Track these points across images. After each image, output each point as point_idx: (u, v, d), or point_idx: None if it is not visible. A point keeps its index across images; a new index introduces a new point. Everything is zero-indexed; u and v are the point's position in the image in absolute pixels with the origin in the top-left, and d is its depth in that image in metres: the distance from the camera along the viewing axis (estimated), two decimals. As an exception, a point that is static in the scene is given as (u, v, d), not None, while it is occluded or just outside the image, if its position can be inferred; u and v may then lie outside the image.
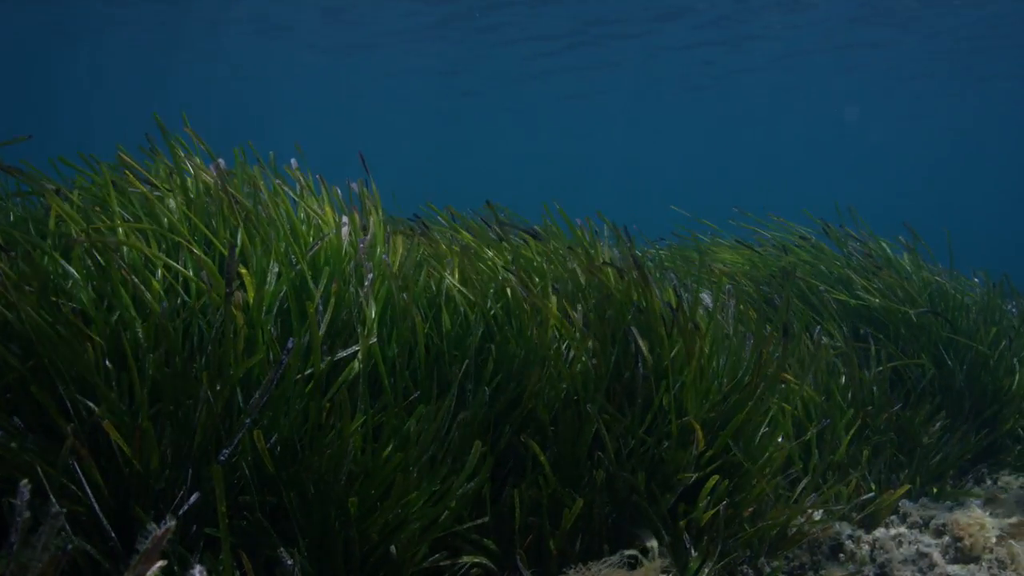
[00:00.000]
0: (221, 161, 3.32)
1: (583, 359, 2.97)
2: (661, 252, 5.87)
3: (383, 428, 2.58)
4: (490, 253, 3.59)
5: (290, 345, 2.42)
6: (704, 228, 6.15)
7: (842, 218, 5.83)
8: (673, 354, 3.04)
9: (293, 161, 3.64)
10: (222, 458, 2.35)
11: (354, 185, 3.69)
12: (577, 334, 3.03)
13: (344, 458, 2.45)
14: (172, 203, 3.11)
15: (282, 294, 2.78)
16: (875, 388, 4.27)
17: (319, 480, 2.50)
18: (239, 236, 2.94)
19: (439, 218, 4.45)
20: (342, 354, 2.71)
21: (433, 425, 2.60)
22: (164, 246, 2.91)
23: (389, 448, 2.56)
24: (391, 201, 4.10)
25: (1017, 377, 4.87)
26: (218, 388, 2.37)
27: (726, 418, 3.04)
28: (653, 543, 2.82)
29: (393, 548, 2.56)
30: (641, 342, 3.00)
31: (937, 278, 5.34)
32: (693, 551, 2.89)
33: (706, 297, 3.92)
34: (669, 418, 2.93)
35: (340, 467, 2.47)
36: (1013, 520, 3.40)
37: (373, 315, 2.81)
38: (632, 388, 3.00)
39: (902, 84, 27.54)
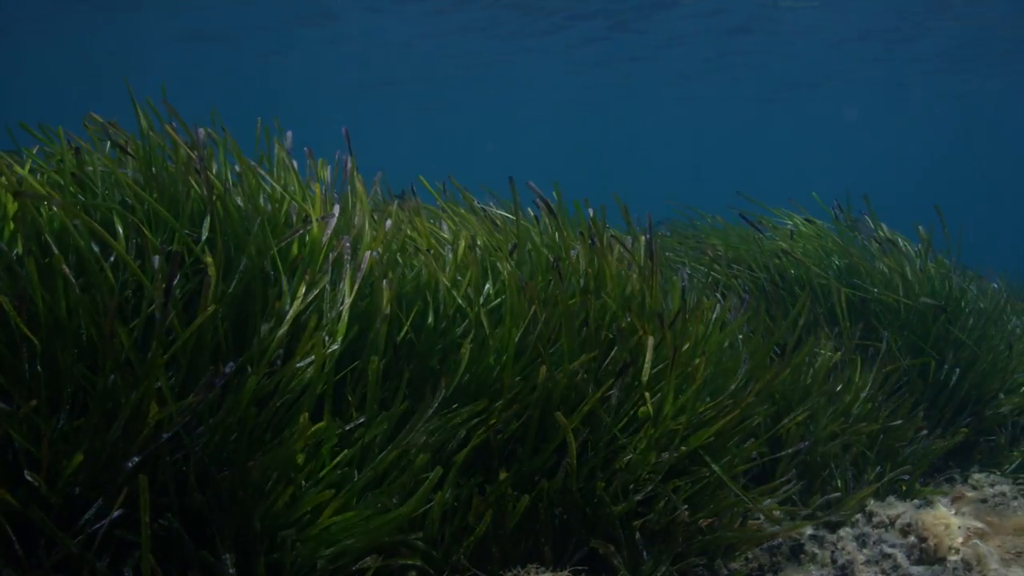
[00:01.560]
0: (202, 131, 3.09)
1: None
2: (668, 239, 5.73)
3: (322, 445, 2.44)
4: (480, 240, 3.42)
5: (227, 370, 2.25)
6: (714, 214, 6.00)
7: (849, 208, 5.64)
8: (658, 369, 2.89)
9: (289, 135, 3.37)
10: (129, 465, 2.20)
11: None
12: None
13: (271, 476, 2.31)
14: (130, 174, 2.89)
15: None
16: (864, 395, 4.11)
17: (246, 496, 2.35)
18: (205, 223, 2.72)
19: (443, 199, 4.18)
20: (299, 364, 2.52)
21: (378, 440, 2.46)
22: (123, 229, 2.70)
23: (327, 469, 2.42)
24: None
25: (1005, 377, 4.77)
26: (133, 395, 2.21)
27: (698, 425, 2.90)
28: (608, 547, 2.68)
29: (319, 563, 2.41)
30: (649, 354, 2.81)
31: (955, 278, 5.20)
32: (646, 554, 2.75)
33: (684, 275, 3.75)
34: (645, 427, 2.78)
35: (269, 483, 2.33)
36: (979, 520, 3.28)
37: (345, 318, 2.60)
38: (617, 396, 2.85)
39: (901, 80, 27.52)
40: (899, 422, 4.13)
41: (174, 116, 3.04)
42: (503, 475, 2.55)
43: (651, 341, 2.82)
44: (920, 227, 5.37)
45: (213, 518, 2.34)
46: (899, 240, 5.38)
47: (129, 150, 3.08)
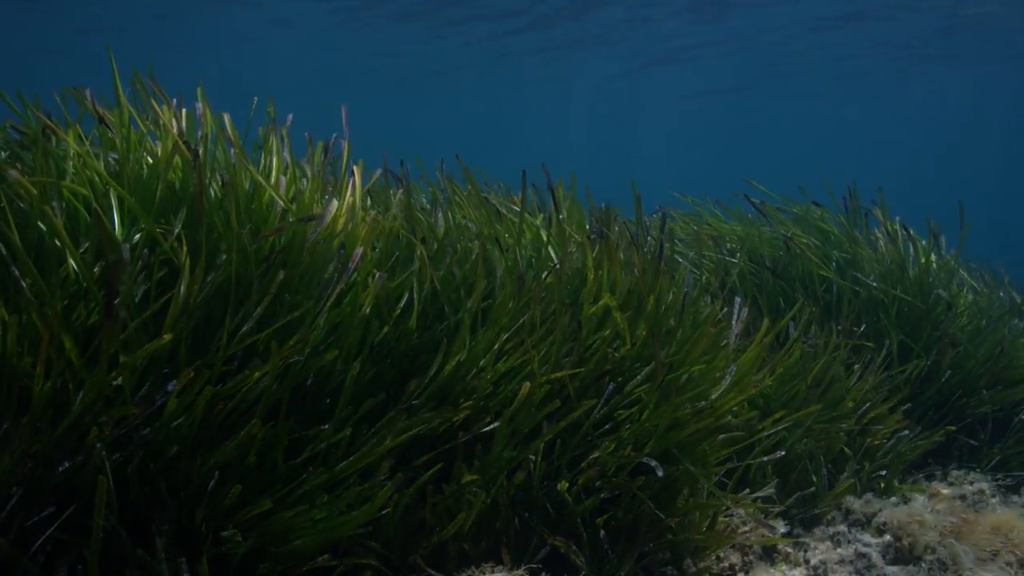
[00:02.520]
0: (200, 105, 2.92)
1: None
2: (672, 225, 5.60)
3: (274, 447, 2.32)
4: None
5: (170, 388, 2.13)
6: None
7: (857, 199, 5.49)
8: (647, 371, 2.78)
9: (290, 117, 3.16)
10: (60, 468, 2.09)
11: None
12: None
13: (213, 475, 2.20)
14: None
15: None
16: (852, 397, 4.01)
17: (188, 494, 2.25)
18: (180, 215, 2.55)
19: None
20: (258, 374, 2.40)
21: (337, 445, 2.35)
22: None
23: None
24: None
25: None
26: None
27: (672, 426, 2.80)
28: (569, 545, 2.58)
29: (268, 562, 2.30)
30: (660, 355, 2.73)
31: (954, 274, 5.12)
32: (610, 553, 2.66)
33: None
34: (620, 430, 2.68)
35: (212, 481, 2.22)
36: (956, 518, 3.21)
37: (321, 323, 2.46)
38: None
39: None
40: (880, 425, 4.04)
41: (159, 93, 2.87)
42: (468, 477, 2.45)
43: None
44: (930, 221, 5.28)
45: (153, 516, 2.23)
46: (898, 232, 5.27)
47: (108, 123, 2.87)
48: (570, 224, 3.52)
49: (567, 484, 2.57)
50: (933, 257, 5.06)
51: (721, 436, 2.89)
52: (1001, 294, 5.73)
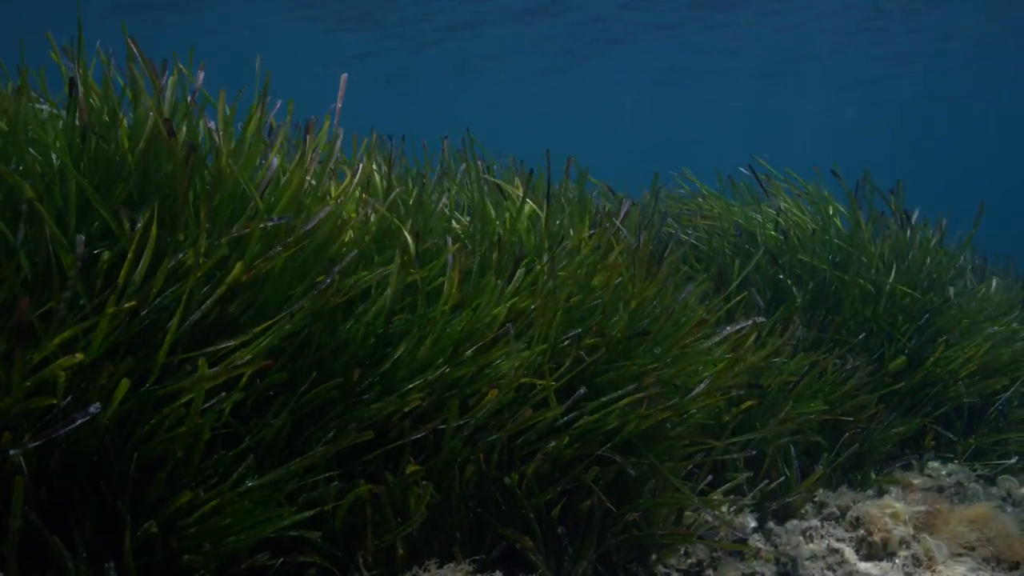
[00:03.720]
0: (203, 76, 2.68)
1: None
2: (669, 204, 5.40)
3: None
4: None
5: (92, 410, 1.94)
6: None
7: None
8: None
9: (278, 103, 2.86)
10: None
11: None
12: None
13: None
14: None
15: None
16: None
17: (109, 488, 2.08)
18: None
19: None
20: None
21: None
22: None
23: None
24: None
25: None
26: None
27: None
28: (525, 540, 2.44)
29: (201, 558, 2.14)
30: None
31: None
32: (570, 548, 2.52)
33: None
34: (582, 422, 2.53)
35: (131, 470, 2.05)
36: (931, 511, 3.10)
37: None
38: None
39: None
40: (853, 416, 3.93)
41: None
42: (411, 468, 2.29)
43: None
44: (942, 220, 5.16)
45: (73, 512, 2.06)
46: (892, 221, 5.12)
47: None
48: (571, 218, 3.31)
49: (517, 477, 2.42)
50: (943, 252, 4.97)
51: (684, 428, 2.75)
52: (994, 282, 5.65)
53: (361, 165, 2.80)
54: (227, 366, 2.08)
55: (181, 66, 2.73)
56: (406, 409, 2.28)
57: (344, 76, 3.01)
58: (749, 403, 3.20)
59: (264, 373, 2.32)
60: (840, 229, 4.89)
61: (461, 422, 2.40)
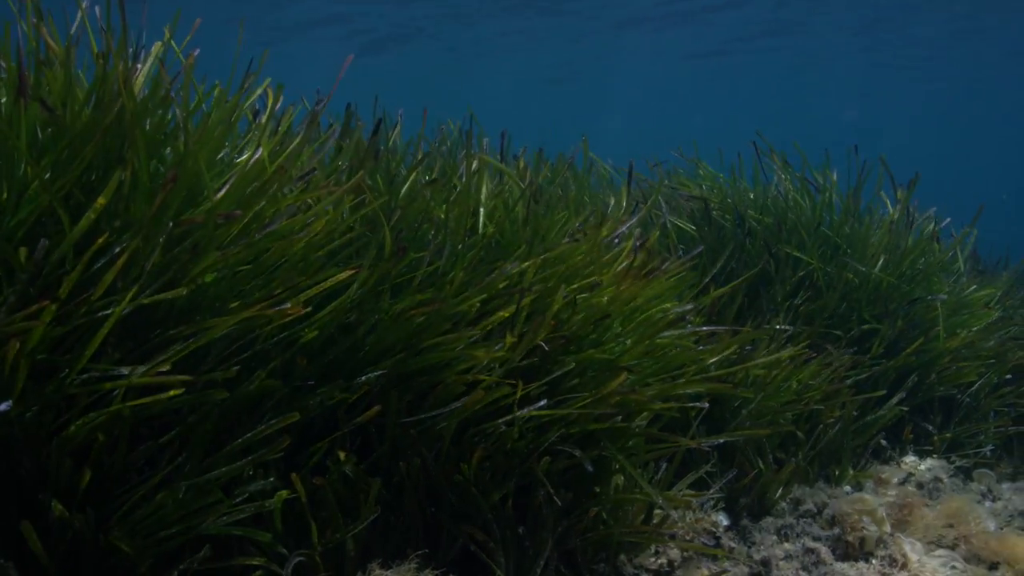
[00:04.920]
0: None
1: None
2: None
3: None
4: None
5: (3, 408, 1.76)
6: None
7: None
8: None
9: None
10: None
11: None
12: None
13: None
14: None
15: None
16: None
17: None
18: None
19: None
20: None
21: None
22: None
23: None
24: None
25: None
26: None
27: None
28: (478, 533, 2.30)
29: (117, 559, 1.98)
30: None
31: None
32: (530, 547, 2.38)
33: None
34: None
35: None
36: (908, 508, 3.01)
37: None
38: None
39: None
40: (824, 406, 3.81)
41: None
42: (343, 455, 2.14)
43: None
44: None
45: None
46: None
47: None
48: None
49: (467, 468, 2.28)
50: (936, 245, 4.87)
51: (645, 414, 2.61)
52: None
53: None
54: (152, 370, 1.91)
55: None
56: (353, 399, 2.13)
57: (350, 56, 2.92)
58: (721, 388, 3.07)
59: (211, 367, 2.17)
60: (834, 220, 4.78)
61: (411, 418, 2.26)
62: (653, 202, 4.32)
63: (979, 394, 4.71)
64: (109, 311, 1.92)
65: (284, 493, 2.07)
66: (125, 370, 1.90)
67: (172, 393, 1.95)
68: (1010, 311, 5.56)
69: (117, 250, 2.05)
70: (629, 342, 2.66)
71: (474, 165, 2.90)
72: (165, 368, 1.90)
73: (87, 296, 1.93)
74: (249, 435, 2.07)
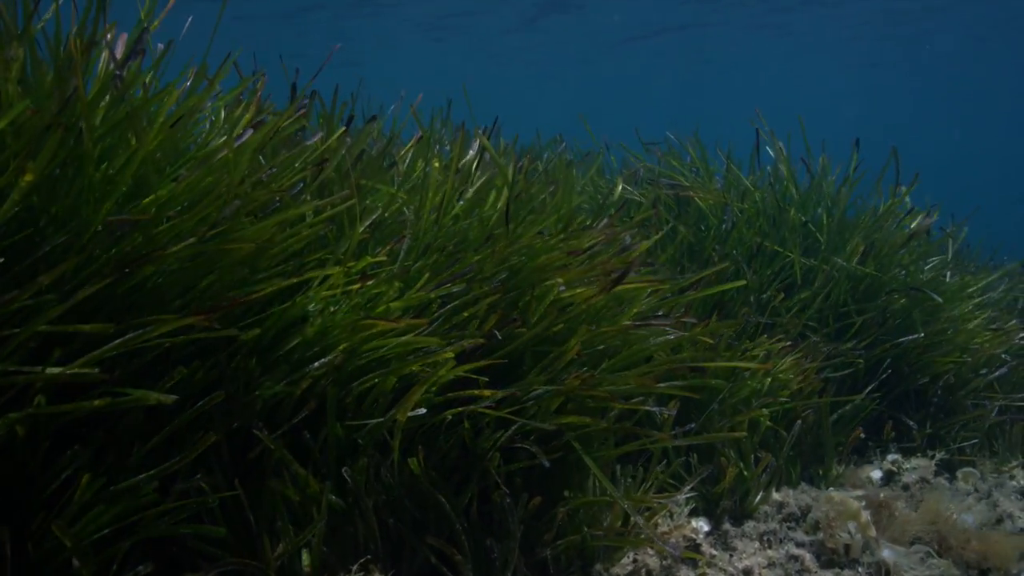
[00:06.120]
0: None
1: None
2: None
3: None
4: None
5: None
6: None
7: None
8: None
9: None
10: None
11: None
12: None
13: None
14: None
15: None
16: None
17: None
18: None
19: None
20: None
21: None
22: None
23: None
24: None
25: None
26: None
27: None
28: (440, 541, 2.16)
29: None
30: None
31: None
32: (496, 556, 2.24)
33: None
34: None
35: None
36: (893, 512, 2.89)
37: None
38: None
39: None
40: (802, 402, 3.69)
41: None
42: (267, 440, 1.97)
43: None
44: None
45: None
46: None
47: None
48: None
49: (415, 462, 2.13)
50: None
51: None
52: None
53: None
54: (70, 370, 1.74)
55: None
56: (296, 393, 1.97)
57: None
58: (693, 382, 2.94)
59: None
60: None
61: (363, 422, 2.10)
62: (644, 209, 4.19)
63: (956, 387, 4.64)
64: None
65: (220, 494, 1.91)
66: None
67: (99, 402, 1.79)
68: (991, 301, 5.50)
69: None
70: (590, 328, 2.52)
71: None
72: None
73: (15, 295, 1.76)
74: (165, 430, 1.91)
